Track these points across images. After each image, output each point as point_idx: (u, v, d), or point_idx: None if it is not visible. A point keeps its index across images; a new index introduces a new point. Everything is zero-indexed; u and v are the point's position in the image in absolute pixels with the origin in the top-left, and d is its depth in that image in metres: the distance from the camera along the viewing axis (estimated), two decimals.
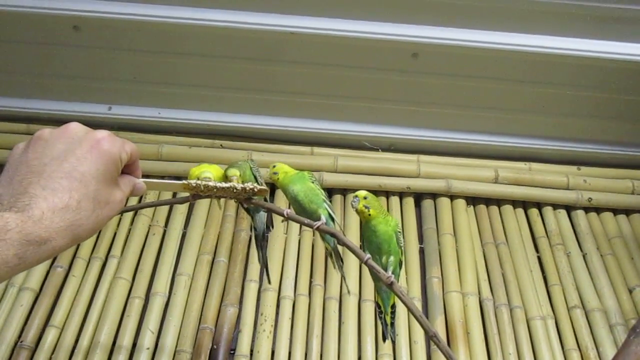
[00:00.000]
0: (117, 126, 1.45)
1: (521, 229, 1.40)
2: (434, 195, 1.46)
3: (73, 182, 0.50)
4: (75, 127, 0.55)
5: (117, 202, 0.57)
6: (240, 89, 1.44)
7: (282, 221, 0.84)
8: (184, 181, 0.78)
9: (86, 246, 1.27)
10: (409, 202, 1.44)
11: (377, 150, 1.50)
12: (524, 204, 1.46)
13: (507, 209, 1.44)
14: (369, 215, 0.83)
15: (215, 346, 1.13)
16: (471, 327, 1.20)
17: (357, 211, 0.83)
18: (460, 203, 1.44)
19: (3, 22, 1.28)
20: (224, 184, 0.78)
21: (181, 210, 1.36)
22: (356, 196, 0.84)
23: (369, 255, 0.80)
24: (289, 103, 1.45)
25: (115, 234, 1.31)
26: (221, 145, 1.48)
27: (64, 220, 0.48)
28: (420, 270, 1.30)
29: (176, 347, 1.12)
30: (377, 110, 1.45)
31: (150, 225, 1.33)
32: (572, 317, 1.23)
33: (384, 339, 0.90)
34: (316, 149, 1.49)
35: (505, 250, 1.35)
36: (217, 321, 1.18)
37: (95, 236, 1.29)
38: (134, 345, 1.12)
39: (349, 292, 1.08)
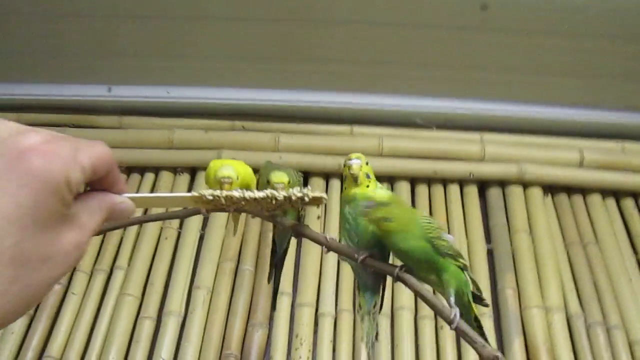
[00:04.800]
0: (120, 110, 1.24)
1: (614, 225, 1.14)
2: (503, 183, 1.20)
3: None
4: None
5: (70, 250, 0.35)
6: (264, 58, 1.21)
7: (326, 252, 0.61)
8: (195, 193, 0.55)
9: (87, 257, 1.07)
10: (472, 191, 1.19)
11: (431, 128, 1.25)
12: (616, 194, 1.20)
13: (595, 199, 1.18)
14: (387, 230, 0.59)
15: None
16: (559, 353, 0.96)
17: (371, 221, 0.60)
18: (536, 193, 1.17)
19: None
20: (256, 194, 0.55)
21: None
22: (371, 200, 0.61)
23: (456, 310, 0.55)
24: (323, 73, 1.22)
25: (121, 240, 1.11)
26: (243, 127, 1.25)
27: None
28: (490, 279, 1.06)
29: None
30: (431, 79, 1.20)
31: (161, 228, 1.12)
32: None
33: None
34: (356, 129, 1.25)
35: (595, 252, 1.09)
36: (242, 346, 0.98)
37: (98, 244, 1.10)
38: None
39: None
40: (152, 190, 1.18)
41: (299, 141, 1.22)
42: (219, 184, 0.63)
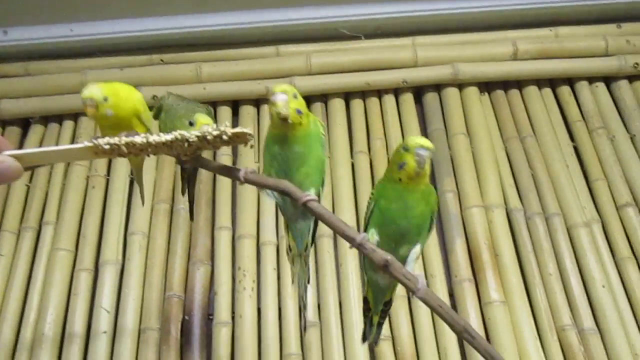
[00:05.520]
0: (24, 55, 1.13)
1: (550, 115, 1.12)
2: (438, 87, 1.16)
3: None
4: None
5: None
6: None
7: (240, 184, 0.57)
8: (89, 142, 0.50)
9: (12, 214, 1.02)
10: (408, 99, 1.15)
11: (359, 38, 1.18)
12: (552, 82, 1.17)
13: (531, 91, 1.15)
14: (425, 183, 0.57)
15: (187, 317, 0.92)
16: (500, 248, 0.96)
17: (418, 172, 0.54)
18: (472, 92, 1.14)
19: None
20: (163, 137, 0.50)
21: None
22: (426, 147, 0.54)
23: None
24: None
25: (46, 194, 1.05)
26: (162, 60, 1.17)
27: None
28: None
29: (140, 325, 0.91)
30: None
31: (88, 177, 1.06)
32: (623, 219, 1.00)
33: (364, 340, 0.67)
34: (282, 48, 1.18)
35: (533, 145, 1.08)
36: (185, 285, 0.96)
37: (22, 201, 1.04)
38: (89, 330, 0.91)
39: (304, 305, 0.76)
40: (73, 140, 1.11)
41: (223, 69, 1.14)
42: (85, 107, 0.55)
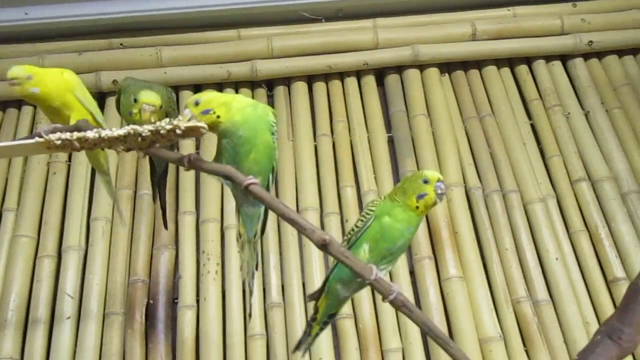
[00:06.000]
0: None
1: (509, 94, 1.15)
2: (399, 69, 1.17)
3: None
4: None
5: None
6: None
7: (186, 170, 0.58)
8: (40, 138, 0.51)
9: None
10: (369, 81, 1.16)
11: (320, 20, 1.18)
12: (510, 62, 1.19)
13: (490, 70, 1.17)
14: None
15: (151, 301, 0.93)
16: (458, 226, 0.99)
17: (435, 203, 0.60)
18: (432, 73, 1.16)
19: None
20: (115, 132, 0.51)
21: None
22: (443, 181, 0.60)
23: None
24: None
25: (6, 180, 1.04)
26: (121, 44, 1.15)
27: None
28: (391, 165, 1.06)
29: (104, 310, 0.92)
30: None
31: (49, 163, 1.05)
32: (577, 193, 1.03)
33: (295, 349, 0.68)
34: (244, 31, 1.17)
35: (491, 123, 1.11)
36: (150, 270, 0.96)
37: None
38: (52, 316, 0.91)
39: (250, 292, 0.74)
40: (32, 126, 1.10)
41: (184, 52, 1.13)
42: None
